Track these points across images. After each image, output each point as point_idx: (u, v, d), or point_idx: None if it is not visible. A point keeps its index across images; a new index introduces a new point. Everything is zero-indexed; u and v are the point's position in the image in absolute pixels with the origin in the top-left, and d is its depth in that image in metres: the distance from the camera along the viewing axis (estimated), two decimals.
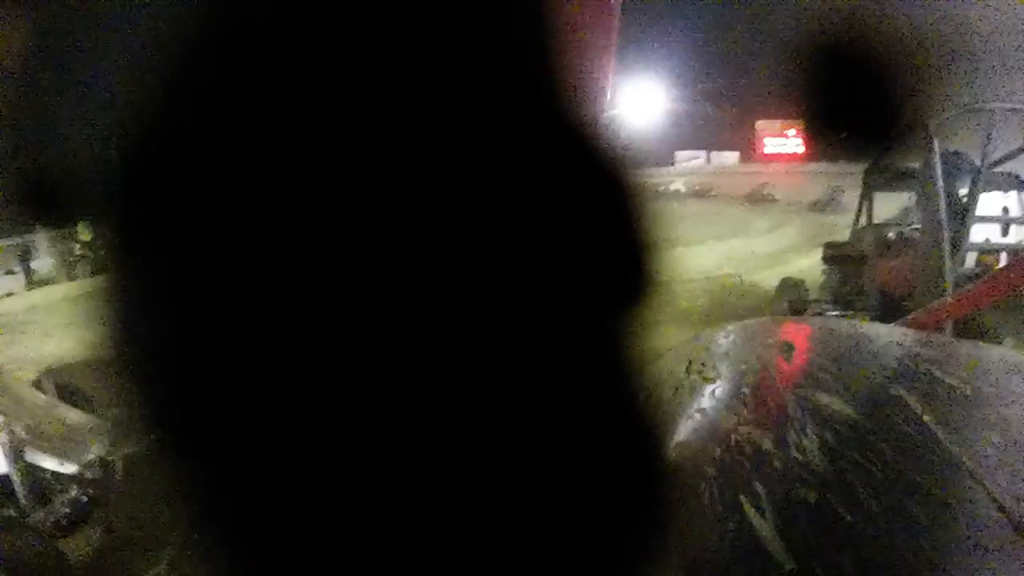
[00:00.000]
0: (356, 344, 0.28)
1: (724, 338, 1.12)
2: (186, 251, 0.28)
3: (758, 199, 17.74)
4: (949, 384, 0.85)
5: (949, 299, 2.53)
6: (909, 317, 2.56)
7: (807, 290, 5.76)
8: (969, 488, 0.61)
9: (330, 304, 0.28)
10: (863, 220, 5.38)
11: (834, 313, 4.70)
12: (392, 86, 0.28)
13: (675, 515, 0.46)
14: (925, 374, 0.89)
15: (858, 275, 5.04)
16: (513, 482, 0.31)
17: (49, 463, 2.94)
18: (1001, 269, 2.56)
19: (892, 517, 0.58)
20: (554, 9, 0.34)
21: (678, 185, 20.38)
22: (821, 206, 14.75)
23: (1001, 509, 0.58)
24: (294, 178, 0.27)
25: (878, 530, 0.57)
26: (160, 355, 0.30)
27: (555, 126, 0.33)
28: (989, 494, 0.60)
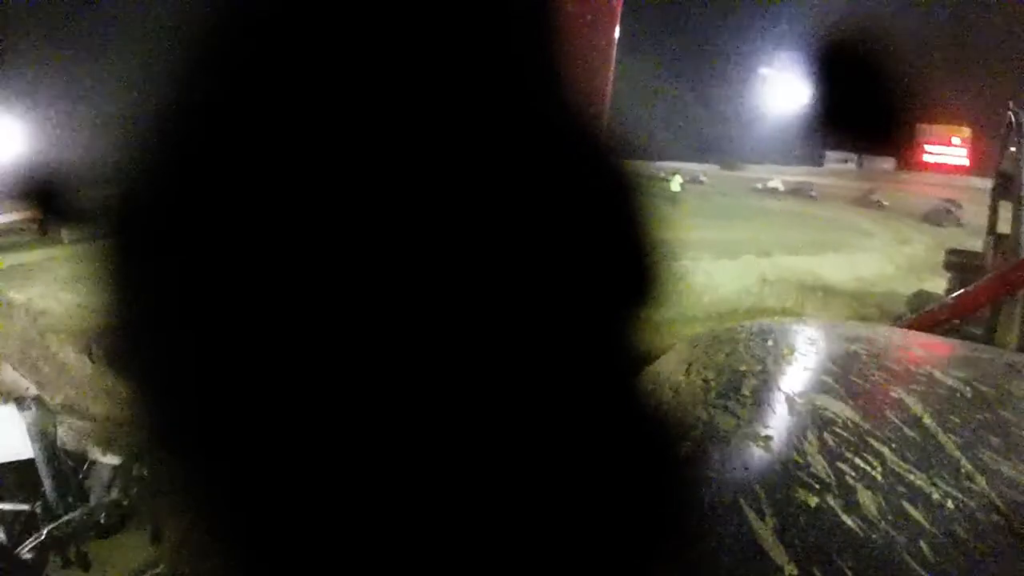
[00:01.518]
0: (359, 345, 0.28)
1: (724, 340, 1.11)
2: (187, 251, 0.28)
3: (866, 204, 16.20)
4: (949, 386, 0.85)
5: (949, 300, 2.53)
6: (911, 319, 2.56)
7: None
8: (969, 491, 0.61)
9: (334, 306, 0.28)
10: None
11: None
12: (394, 86, 0.28)
13: (674, 517, 0.46)
14: (925, 376, 0.89)
15: None
16: (513, 482, 0.31)
17: (93, 452, 2.35)
18: (1001, 270, 2.56)
19: (891, 520, 0.58)
20: (554, 9, 0.33)
21: (775, 183, 19.25)
22: (937, 218, 13.15)
23: (1000, 512, 0.58)
24: (297, 177, 0.27)
25: (877, 533, 0.57)
26: (160, 354, 0.30)
27: (554, 126, 0.33)
28: (988, 497, 0.60)
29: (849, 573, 0.53)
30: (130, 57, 0.32)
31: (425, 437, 0.30)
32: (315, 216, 0.28)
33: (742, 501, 0.64)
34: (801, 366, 0.93)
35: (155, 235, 0.30)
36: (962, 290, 2.61)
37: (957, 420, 0.75)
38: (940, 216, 13.21)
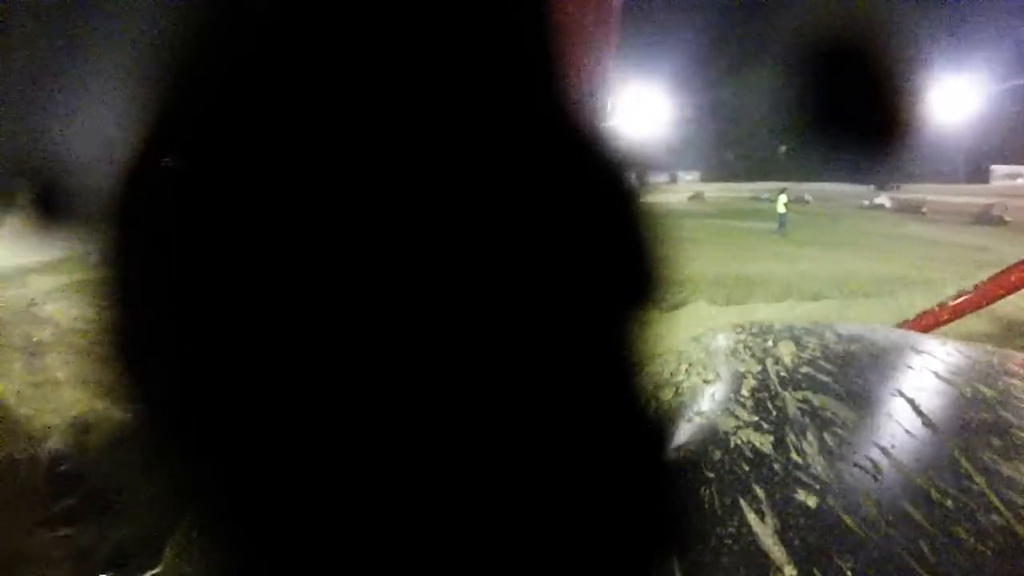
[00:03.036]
0: (359, 346, 0.28)
1: (724, 340, 1.11)
2: (187, 252, 0.28)
3: (985, 220, 13.88)
4: (949, 386, 0.85)
5: (950, 301, 2.52)
6: (911, 319, 2.56)
7: None
8: (969, 491, 0.61)
9: (334, 307, 0.28)
10: None
11: None
12: (393, 86, 0.28)
13: (675, 518, 0.46)
14: (925, 376, 0.89)
15: None
16: (514, 483, 0.31)
17: None
18: (1004, 270, 2.56)
19: (891, 520, 0.58)
20: (554, 10, 0.34)
21: (882, 199, 17.64)
22: None
23: (1000, 512, 0.58)
24: (297, 179, 0.27)
25: (877, 533, 0.57)
26: (161, 355, 0.30)
27: (554, 127, 0.33)
28: (988, 497, 0.60)
29: (849, 573, 0.53)
30: (129, 56, 0.32)
31: (425, 438, 0.30)
32: (316, 217, 0.28)
33: (742, 501, 0.64)
34: (801, 366, 0.93)
35: (156, 237, 0.30)
36: (962, 290, 2.61)
37: (957, 420, 0.75)
38: None
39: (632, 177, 0.36)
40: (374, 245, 0.28)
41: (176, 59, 0.30)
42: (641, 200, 0.37)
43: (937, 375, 0.88)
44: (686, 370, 1.01)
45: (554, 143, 0.33)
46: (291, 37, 0.28)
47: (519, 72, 0.32)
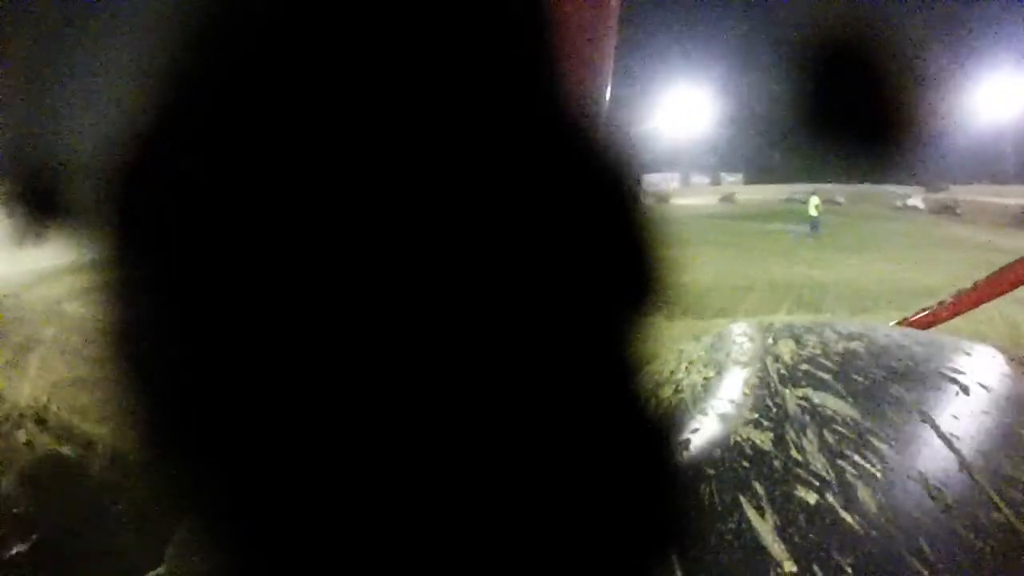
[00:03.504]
0: (358, 346, 0.28)
1: (724, 338, 1.11)
2: (186, 251, 0.28)
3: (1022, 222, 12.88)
4: (949, 384, 0.85)
5: (949, 299, 2.52)
6: (911, 317, 2.56)
7: None
8: (968, 488, 0.61)
9: (333, 307, 0.28)
10: None
11: None
12: (389, 86, 0.28)
13: (675, 515, 0.46)
14: (926, 374, 0.89)
15: None
16: (513, 482, 0.31)
17: None
18: (1003, 268, 2.55)
19: (891, 518, 0.58)
20: (552, 8, 0.33)
21: (915, 201, 17.15)
22: None
23: (1000, 510, 0.58)
24: (295, 179, 0.28)
25: (877, 530, 0.57)
26: (160, 353, 0.30)
27: (552, 126, 0.33)
28: (988, 495, 0.60)
29: (848, 570, 0.53)
30: (129, 55, 0.32)
31: (424, 437, 0.30)
32: (316, 217, 0.28)
33: (742, 499, 0.64)
34: (801, 363, 0.93)
35: (156, 237, 0.30)
36: (962, 288, 2.61)
37: (957, 418, 0.75)
38: None
39: (634, 177, 0.36)
40: (376, 246, 0.28)
41: (177, 58, 0.30)
42: (643, 200, 0.37)
43: (937, 372, 0.89)
44: (686, 368, 1.01)
45: (552, 143, 0.33)
46: (289, 36, 0.28)
47: (515, 71, 0.32)
